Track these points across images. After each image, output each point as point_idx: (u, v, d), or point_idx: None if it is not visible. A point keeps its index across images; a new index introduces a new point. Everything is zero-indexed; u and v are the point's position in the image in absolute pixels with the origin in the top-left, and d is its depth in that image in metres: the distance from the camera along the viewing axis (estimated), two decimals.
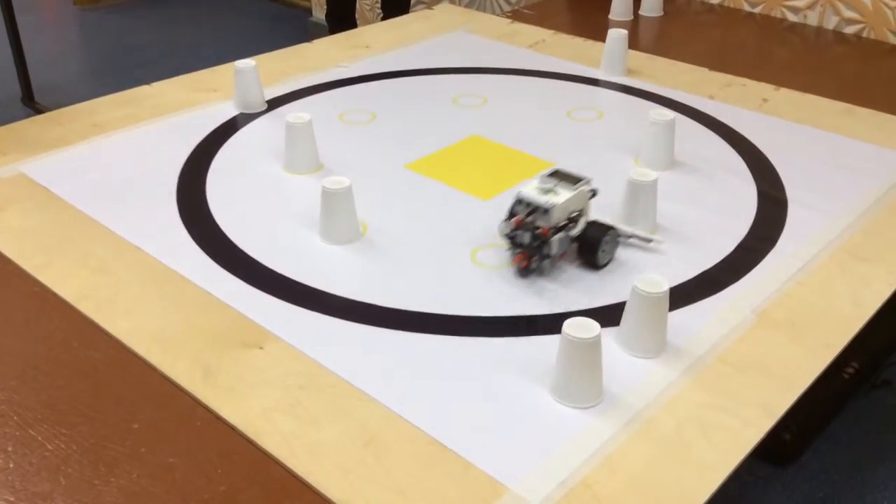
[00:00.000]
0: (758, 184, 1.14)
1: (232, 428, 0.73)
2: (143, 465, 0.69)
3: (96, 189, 1.09)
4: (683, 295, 0.90)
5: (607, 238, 0.95)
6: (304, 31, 3.02)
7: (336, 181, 0.97)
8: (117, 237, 0.99)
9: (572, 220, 0.94)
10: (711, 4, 1.99)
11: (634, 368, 0.80)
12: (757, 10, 1.94)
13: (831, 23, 1.84)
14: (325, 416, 0.74)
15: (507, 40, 1.66)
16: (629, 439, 0.72)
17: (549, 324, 0.86)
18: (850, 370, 1.33)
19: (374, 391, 0.77)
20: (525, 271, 0.94)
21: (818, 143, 1.26)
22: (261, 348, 0.82)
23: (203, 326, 0.85)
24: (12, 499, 0.65)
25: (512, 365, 0.80)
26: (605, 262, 0.96)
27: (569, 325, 0.74)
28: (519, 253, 0.93)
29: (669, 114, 1.17)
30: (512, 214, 0.94)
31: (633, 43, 1.61)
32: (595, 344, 0.74)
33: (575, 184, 0.94)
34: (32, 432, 0.72)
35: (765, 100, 1.41)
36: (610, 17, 1.86)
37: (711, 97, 1.41)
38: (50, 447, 0.70)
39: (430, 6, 2.25)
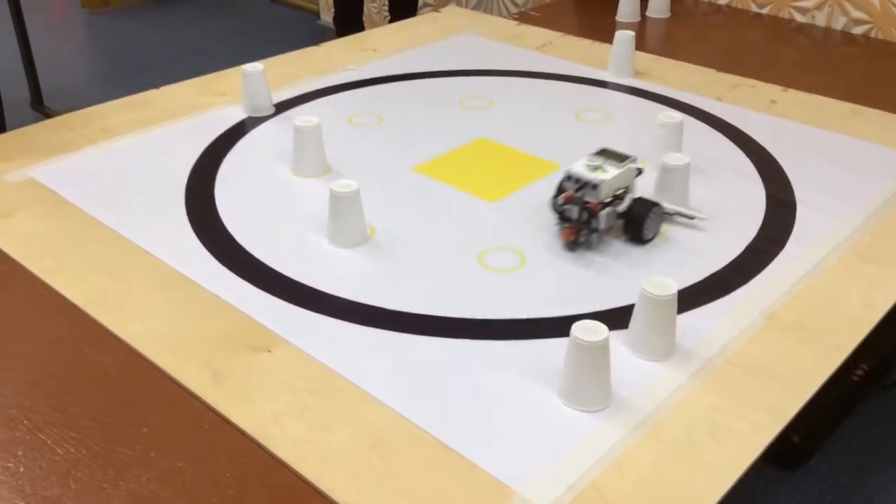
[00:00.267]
0: (766, 185, 1.14)
1: (241, 432, 0.73)
2: (152, 469, 0.69)
3: (105, 193, 1.10)
4: (692, 297, 0.90)
5: (652, 214, 0.99)
6: (311, 34, 3.02)
7: (344, 184, 0.98)
8: (126, 241, 0.99)
9: (618, 197, 0.98)
10: (719, 5, 1.99)
11: (643, 371, 0.80)
12: (765, 10, 1.93)
13: (839, 23, 1.83)
14: (334, 420, 0.74)
15: (514, 42, 1.66)
16: (638, 442, 0.72)
17: (557, 326, 0.86)
18: (860, 372, 1.33)
19: (382, 394, 0.77)
20: (573, 245, 0.98)
21: (827, 144, 1.26)
22: (269, 352, 0.82)
23: (212, 330, 0.85)
24: (22, 503, 0.66)
25: (520, 368, 0.80)
26: (650, 237, 1.00)
27: (577, 328, 0.74)
28: (567, 227, 0.98)
29: (677, 115, 1.17)
30: (561, 190, 0.98)
31: (641, 44, 1.61)
32: (603, 347, 0.74)
33: (622, 161, 0.99)
34: (42, 436, 0.72)
35: (773, 101, 1.40)
36: (617, 18, 1.86)
37: (719, 98, 1.41)
38: (60, 451, 0.70)
39: (437, 9, 2.25)
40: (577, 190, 0.96)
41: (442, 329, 0.86)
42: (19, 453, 0.70)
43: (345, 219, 0.99)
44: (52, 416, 0.74)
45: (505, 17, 1.93)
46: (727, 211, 1.08)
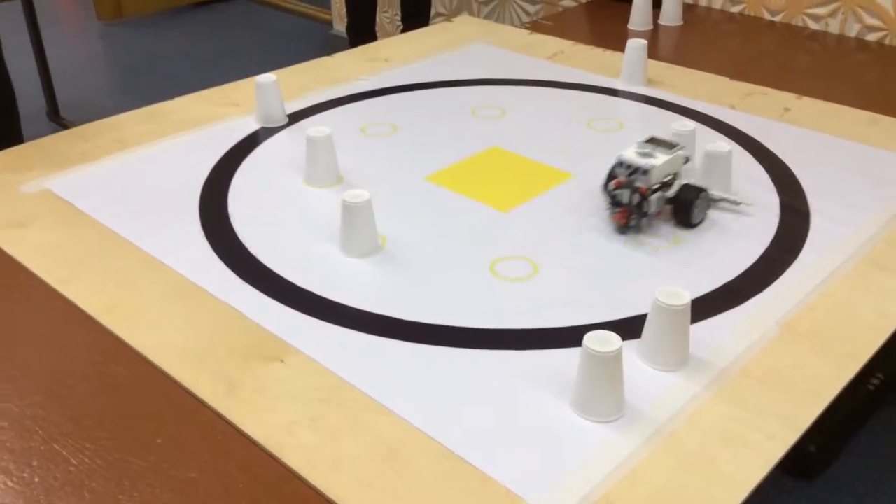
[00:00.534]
0: (780, 194, 1.14)
1: (253, 442, 0.73)
2: (165, 480, 0.69)
3: (120, 204, 1.10)
4: (705, 307, 0.90)
5: (700, 199, 1.03)
6: (324, 45, 3.04)
7: (356, 195, 0.98)
8: (140, 251, 1.00)
9: (667, 183, 1.03)
10: (731, 13, 1.99)
11: (656, 382, 0.80)
12: (777, 18, 1.93)
13: (853, 30, 1.82)
14: (346, 430, 0.74)
15: (527, 51, 1.66)
16: (651, 453, 0.72)
17: (569, 336, 0.85)
18: (876, 382, 1.32)
19: (394, 404, 0.77)
20: (624, 228, 1.03)
21: (841, 152, 1.25)
22: (282, 361, 0.82)
23: (225, 340, 0.85)
24: None
25: (532, 378, 0.80)
26: (698, 221, 1.05)
27: (589, 339, 0.74)
28: (618, 211, 1.03)
29: (690, 124, 1.17)
30: (612, 176, 1.03)
31: (653, 53, 1.61)
32: (616, 357, 0.73)
33: (671, 149, 1.04)
34: (57, 447, 0.72)
35: (786, 109, 1.40)
36: (629, 26, 1.86)
37: (732, 107, 1.40)
38: (74, 462, 0.71)
39: (449, 18, 2.26)
40: (629, 175, 1.01)
41: (454, 339, 0.86)
42: (34, 464, 0.71)
43: (357, 229, 0.99)
44: (66, 426, 0.75)
45: (517, 26, 1.93)
46: (741, 220, 1.07)
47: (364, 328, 0.87)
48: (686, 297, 0.79)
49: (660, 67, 1.56)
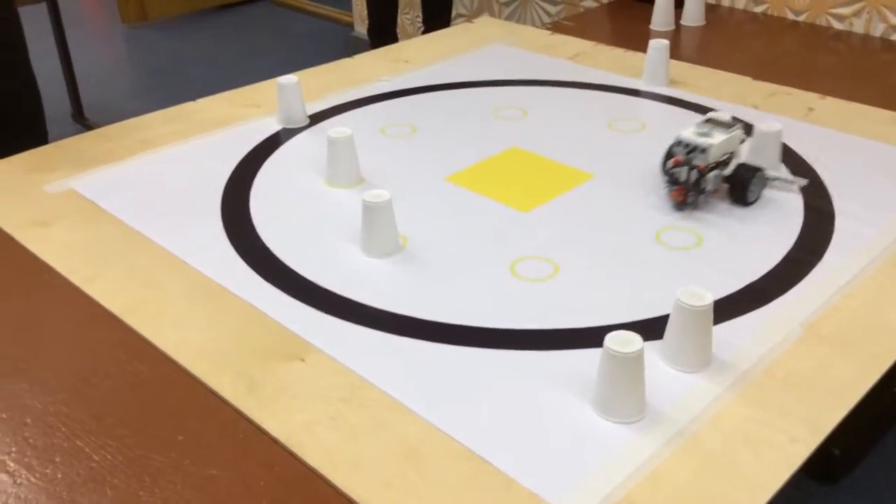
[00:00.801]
0: (804, 194, 1.12)
1: (274, 440, 0.73)
2: (186, 477, 0.69)
3: (143, 204, 1.11)
4: (728, 307, 0.89)
5: (756, 178, 1.07)
6: (345, 46, 3.05)
7: (376, 195, 0.98)
8: (163, 250, 1.01)
9: (724, 162, 1.07)
10: (754, 13, 1.97)
11: (678, 383, 0.79)
12: (801, 18, 1.91)
13: (878, 30, 1.80)
14: (367, 430, 0.74)
15: (548, 52, 1.66)
16: (673, 455, 0.71)
17: (590, 337, 0.85)
18: None
19: (415, 404, 0.77)
20: (681, 205, 1.07)
21: (866, 152, 1.24)
22: (302, 360, 0.83)
23: (247, 339, 0.86)
24: None
25: (552, 379, 0.80)
26: (753, 199, 1.08)
27: (611, 339, 0.73)
28: (676, 189, 1.06)
29: (776, 124, 1.16)
30: (670, 155, 1.07)
31: (675, 53, 1.60)
32: (638, 358, 0.73)
33: (728, 129, 1.07)
34: (80, 443, 0.73)
35: (810, 109, 1.38)
36: (651, 27, 1.85)
37: (756, 107, 1.39)
38: (97, 458, 0.71)
39: (470, 19, 2.26)
40: (687, 154, 1.05)
41: (475, 339, 0.86)
42: (57, 460, 0.71)
43: (378, 229, 0.99)
44: (89, 423, 0.75)
45: (538, 26, 1.93)
46: (764, 220, 1.06)
47: (385, 328, 0.87)
48: (708, 297, 0.79)
49: (682, 68, 1.56)
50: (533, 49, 1.68)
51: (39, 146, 1.29)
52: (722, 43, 1.79)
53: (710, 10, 1.94)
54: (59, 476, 0.70)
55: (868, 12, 1.81)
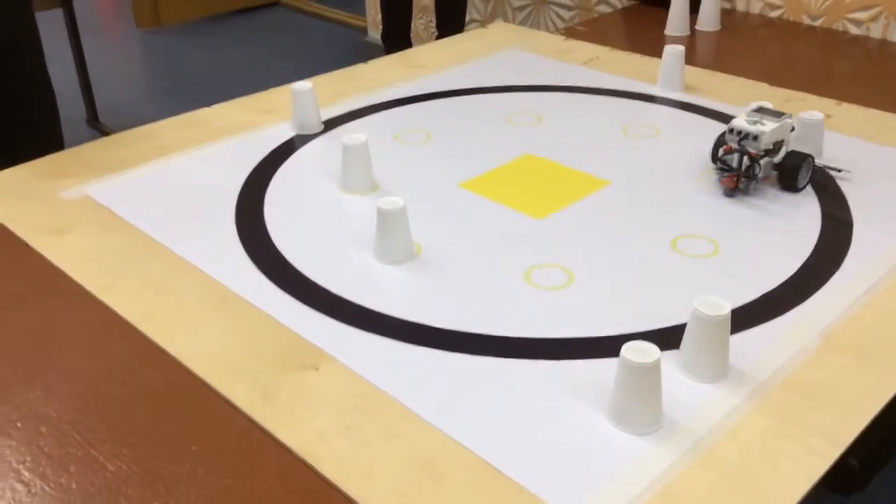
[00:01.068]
0: (821, 202, 1.11)
1: (288, 450, 0.73)
2: (200, 487, 0.69)
3: (158, 211, 1.11)
4: (746, 317, 0.88)
5: (805, 165, 1.12)
6: (359, 51, 3.05)
7: (391, 201, 0.98)
8: (178, 257, 1.01)
9: (773, 150, 1.11)
10: (770, 18, 1.96)
11: (695, 394, 0.78)
12: (818, 23, 1.90)
13: (895, 35, 1.79)
14: (381, 439, 0.74)
15: (562, 57, 1.65)
16: (690, 467, 0.71)
17: (606, 346, 0.84)
18: None
19: (429, 413, 0.76)
20: (733, 191, 1.12)
21: (884, 159, 1.23)
22: (316, 369, 0.82)
23: (261, 347, 0.85)
24: None
25: (568, 388, 0.79)
26: (802, 186, 1.13)
27: (627, 349, 0.73)
28: (727, 175, 1.11)
29: (818, 115, 1.22)
30: (721, 143, 1.13)
31: (690, 58, 1.59)
32: (654, 369, 0.72)
33: (779, 117, 1.12)
34: (94, 452, 0.73)
35: (827, 115, 1.37)
36: (666, 32, 1.84)
37: None
38: (111, 468, 0.71)
39: (484, 24, 2.26)
40: (739, 141, 1.09)
41: (489, 348, 0.85)
42: (71, 469, 0.71)
43: (392, 235, 0.99)
44: (103, 432, 0.75)
45: (552, 32, 1.92)
46: (781, 228, 1.06)
47: (399, 336, 0.87)
48: (726, 307, 0.78)
49: (697, 73, 1.55)
50: (547, 54, 1.67)
51: (56, 152, 1.30)
52: (737, 48, 1.78)
53: (726, 14, 1.93)
54: (74, 486, 0.70)
55: (886, 17, 1.79)
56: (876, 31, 1.82)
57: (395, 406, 0.78)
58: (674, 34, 1.83)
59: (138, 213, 1.11)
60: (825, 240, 1.03)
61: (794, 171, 1.11)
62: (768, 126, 1.09)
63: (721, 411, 0.76)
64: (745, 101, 1.42)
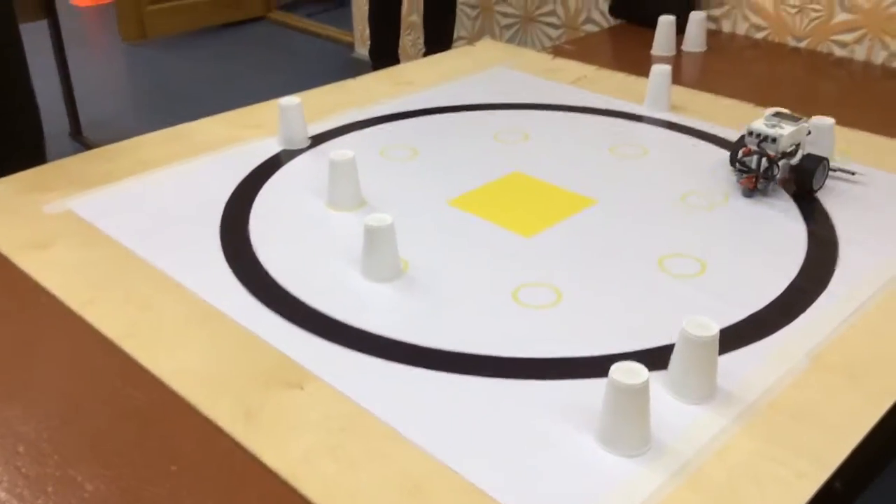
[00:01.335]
0: (807, 222, 1.12)
1: (271, 471, 0.72)
2: None
3: (141, 226, 1.10)
4: (733, 338, 0.88)
5: (821, 167, 1.16)
6: (347, 67, 3.05)
7: (378, 218, 0.97)
8: (161, 274, 0.99)
9: (791, 153, 1.15)
10: (756, 39, 1.98)
11: (683, 415, 0.78)
12: (803, 44, 1.91)
13: (879, 57, 1.81)
14: (366, 460, 0.73)
15: (549, 76, 1.66)
16: (677, 489, 0.70)
17: (594, 366, 0.84)
18: None
19: (415, 434, 0.75)
20: (752, 192, 1.16)
21: (868, 180, 1.23)
22: (301, 388, 0.81)
23: (244, 366, 0.84)
24: None
25: (555, 409, 0.79)
26: (818, 188, 1.17)
27: (616, 370, 0.72)
28: (746, 176, 1.15)
29: (828, 119, 1.26)
30: (739, 146, 1.17)
31: (677, 78, 1.59)
32: (643, 390, 0.72)
33: (796, 121, 1.16)
34: (72, 472, 0.71)
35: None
36: (652, 52, 1.85)
37: None
38: (90, 488, 0.70)
39: (471, 42, 2.26)
40: (759, 143, 1.13)
41: (476, 367, 0.84)
42: (49, 490, 0.70)
43: (379, 253, 0.98)
44: (83, 452, 0.74)
45: (539, 50, 1.93)
46: (768, 248, 1.06)
47: (385, 355, 0.86)
48: (714, 328, 0.78)
49: (684, 93, 1.55)
50: (535, 73, 1.68)
51: (38, 165, 1.28)
52: (723, 69, 1.79)
53: (712, 35, 1.95)
54: None
55: (870, 39, 1.81)
56: (860, 53, 1.83)
57: (382, 426, 0.77)
58: (660, 54, 1.84)
59: (121, 228, 1.09)
60: (811, 260, 1.03)
61: (810, 173, 1.15)
62: (786, 129, 1.13)
63: (709, 433, 0.76)
64: (731, 121, 1.43)
